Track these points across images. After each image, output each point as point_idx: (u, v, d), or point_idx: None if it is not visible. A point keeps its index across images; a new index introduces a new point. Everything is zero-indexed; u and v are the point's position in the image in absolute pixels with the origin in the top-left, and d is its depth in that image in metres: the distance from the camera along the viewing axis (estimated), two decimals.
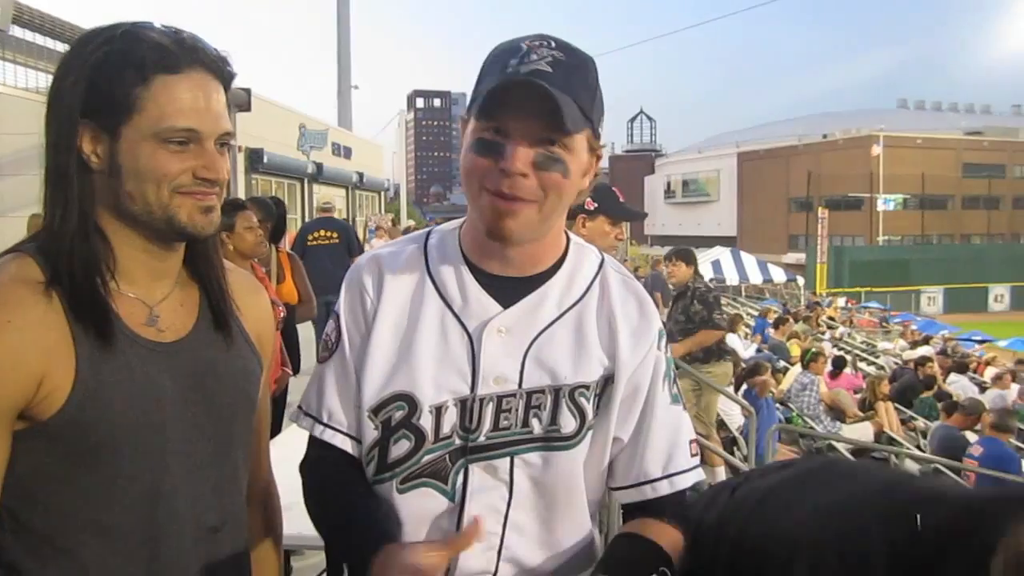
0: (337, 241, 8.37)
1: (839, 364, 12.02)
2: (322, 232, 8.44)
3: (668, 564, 1.26)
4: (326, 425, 1.44)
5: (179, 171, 1.24)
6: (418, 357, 1.38)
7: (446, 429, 1.38)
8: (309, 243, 8.28)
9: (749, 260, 31.53)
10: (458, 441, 1.38)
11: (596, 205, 3.74)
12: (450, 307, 1.41)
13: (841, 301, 31.93)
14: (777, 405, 9.63)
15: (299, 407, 1.50)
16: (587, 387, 1.39)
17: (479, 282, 1.41)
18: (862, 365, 16.87)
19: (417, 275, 1.44)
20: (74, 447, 1.21)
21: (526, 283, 1.41)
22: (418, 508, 1.39)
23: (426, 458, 1.38)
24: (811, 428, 9.73)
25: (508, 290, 1.41)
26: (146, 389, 1.26)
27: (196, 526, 1.31)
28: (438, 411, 1.37)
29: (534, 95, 1.25)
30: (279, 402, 4.51)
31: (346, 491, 1.42)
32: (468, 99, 1.38)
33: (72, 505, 1.23)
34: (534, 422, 1.38)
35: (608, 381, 1.41)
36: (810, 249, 41.16)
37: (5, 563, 1.23)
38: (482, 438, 1.37)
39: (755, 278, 31.34)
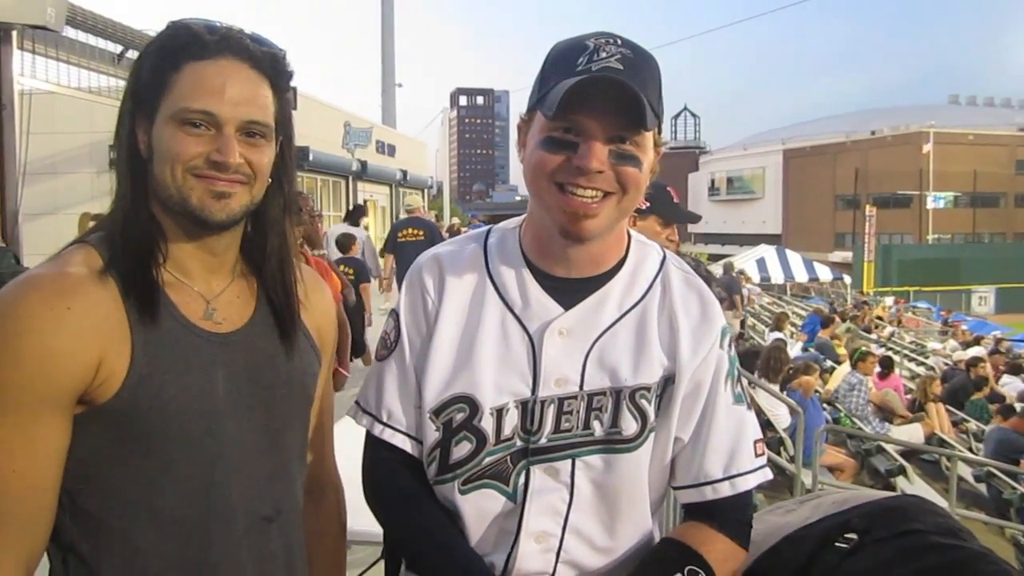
0: (423, 238, 9.47)
1: (887, 364, 11.83)
2: (410, 230, 9.66)
3: (699, 563, 1.26)
4: (386, 424, 1.44)
5: (194, 154, 1.25)
6: (479, 359, 1.38)
7: (507, 431, 1.37)
8: (399, 240, 9.61)
9: (795, 258, 31.19)
10: (519, 443, 1.37)
11: (648, 204, 3.68)
12: (511, 309, 1.40)
13: (889, 300, 31.50)
14: (824, 405, 9.50)
15: (357, 403, 1.50)
16: (648, 389, 1.37)
17: (540, 283, 1.40)
18: (911, 366, 16.59)
19: (477, 276, 1.43)
20: (129, 432, 1.22)
21: (588, 284, 1.39)
22: (479, 509, 1.38)
23: (487, 459, 1.37)
24: (859, 429, 9.58)
25: (569, 291, 1.39)
26: (200, 378, 1.27)
27: (249, 515, 1.32)
28: (499, 413, 1.36)
29: (612, 92, 1.24)
30: None
31: (420, 511, 1.41)
32: (531, 97, 1.36)
33: (126, 489, 1.24)
34: (595, 424, 1.36)
35: (669, 381, 1.39)
36: (857, 247, 40.46)
37: (63, 544, 1.25)
38: (543, 440, 1.36)
39: (801, 276, 31.01)
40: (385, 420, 1.44)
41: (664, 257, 1.47)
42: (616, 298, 1.40)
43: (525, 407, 1.36)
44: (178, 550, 1.26)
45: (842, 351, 13.35)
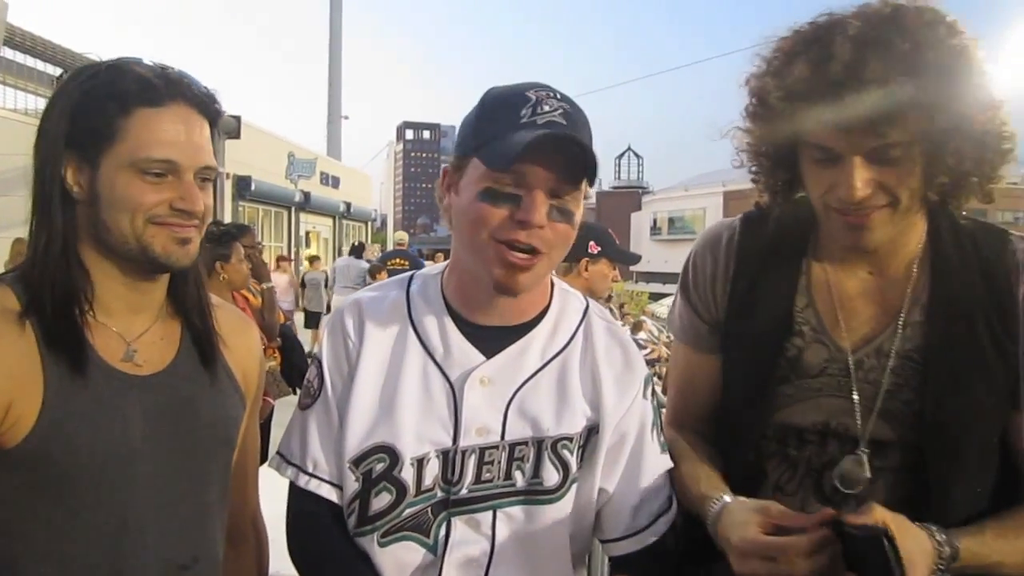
0: (407, 267, 10.55)
1: None
2: (398, 260, 11.13)
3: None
4: (311, 475, 1.41)
5: (155, 202, 1.24)
6: (400, 408, 1.36)
7: (428, 481, 1.35)
8: (388, 267, 10.82)
9: None
10: (440, 493, 1.36)
11: (600, 248, 3.77)
12: (432, 356, 1.39)
13: None
14: None
15: (279, 453, 1.46)
16: (570, 439, 1.37)
17: (462, 331, 1.40)
18: None
19: (399, 323, 1.42)
20: (37, 477, 1.20)
21: (510, 332, 1.40)
22: (399, 561, 1.36)
23: (408, 511, 1.35)
24: None
25: (492, 339, 1.39)
26: (115, 421, 1.24)
27: (164, 563, 1.29)
28: (420, 463, 1.35)
29: (564, 147, 1.24)
30: (263, 431, 4.45)
31: (349, 556, 1.38)
32: (464, 143, 1.34)
33: (35, 535, 1.21)
34: (517, 475, 1.36)
35: (592, 432, 1.39)
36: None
37: None
38: (464, 491, 1.35)
39: None
40: (311, 471, 1.41)
41: (587, 306, 1.49)
42: (539, 347, 1.41)
43: (446, 456, 1.35)
44: None
45: None
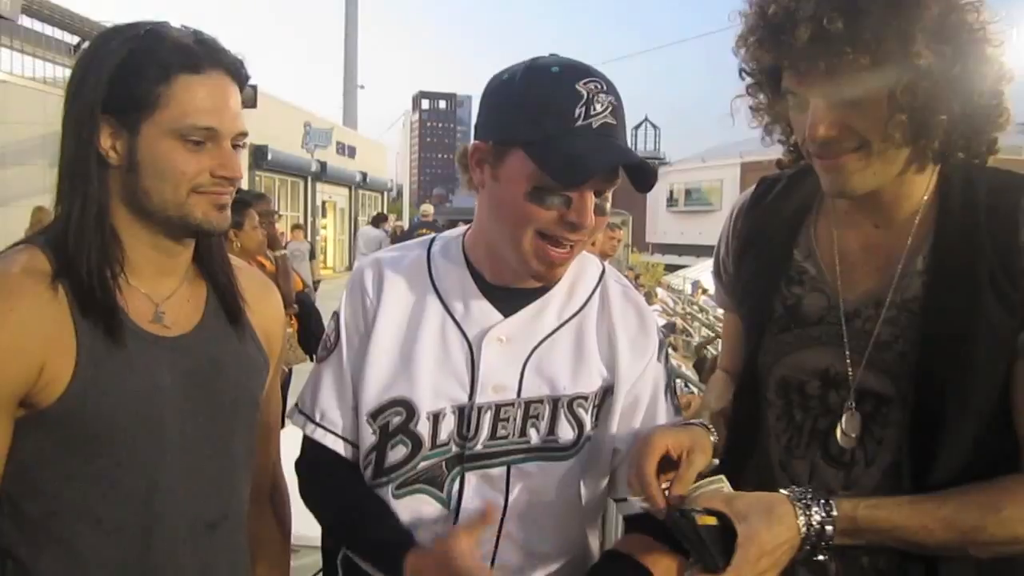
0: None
1: None
2: (423, 230, 11.20)
3: (694, 550, 1.26)
4: (318, 424, 1.46)
5: (197, 171, 1.26)
6: (417, 363, 1.39)
7: (443, 436, 1.38)
8: (416, 237, 11.10)
9: None
10: (455, 448, 1.39)
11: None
12: (451, 314, 1.42)
13: None
14: None
15: (295, 404, 1.51)
16: (585, 398, 1.40)
17: (481, 291, 1.42)
18: None
19: (420, 281, 1.45)
20: (71, 436, 1.23)
21: (528, 293, 1.42)
22: (413, 513, 1.40)
23: (422, 464, 1.39)
24: None
25: (510, 299, 1.42)
26: (145, 382, 1.27)
27: (193, 520, 1.33)
28: (436, 418, 1.38)
29: (618, 159, 1.28)
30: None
31: (353, 492, 1.44)
32: (506, 128, 1.32)
33: (68, 494, 1.24)
34: (532, 432, 1.39)
35: (608, 392, 1.42)
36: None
37: (1, 547, 1.25)
38: (479, 446, 1.38)
39: None
40: (318, 420, 1.46)
41: (603, 270, 1.51)
42: (556, 308, 1.43)
43: (462, 412, 1.38)
44: (119, 556, 1.27)
45: None
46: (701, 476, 1.30)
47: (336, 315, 1.49)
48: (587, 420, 1.40)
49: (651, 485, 1.25)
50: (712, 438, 1.38)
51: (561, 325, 1.43)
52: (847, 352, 1.33)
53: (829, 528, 1.19)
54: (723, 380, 1.59)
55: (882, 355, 1.30)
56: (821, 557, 1.21)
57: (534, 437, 1.39)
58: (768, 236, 1.48)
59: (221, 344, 1.39)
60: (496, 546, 1.40)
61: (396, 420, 1.39)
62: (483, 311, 1.41)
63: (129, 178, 1.27)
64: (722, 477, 1.30)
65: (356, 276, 1.50)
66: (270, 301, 1.56)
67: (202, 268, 1.42)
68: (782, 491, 1.22)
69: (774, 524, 1.17)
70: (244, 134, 1.33)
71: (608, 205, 1.33)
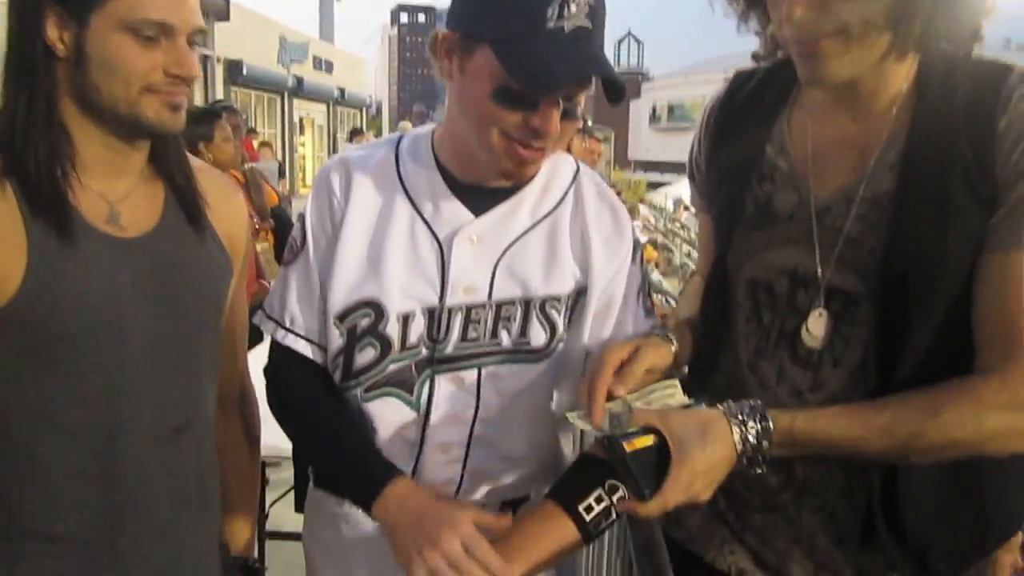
0: None
1: None
2: None
3: (620, 477, 1.24)
4: (288, 330, 1.42)
5: (149, 68, 1.20)
6: (386, 264, 1.36)
7: (413, 338, 1.36)
8: None
9: None
10: (425, 351, 1.36)
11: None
12: (420, 214, 1.37)
13: None
14: None
15: (262, 309, 1.48)
16: (559, 299, 1.37)
17: (451, 190, 1.38)
18: None
19: (387, 180, 1.40)
20: (26, 340, 1.19)
21: (500, 192, 1.38)
22: (383, 416, 1.38)
23: (392, 367, 1.36)
24: None
25: (481, 198, 1.37)
26: (102, 283, 1.23)
27: (157, 425, 1.30)
28: (405, 320, 1.35)
29: (588, 65, 1.22)
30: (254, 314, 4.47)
31: (325, 403, 1.41)
32: (474, 19, 1.25)
33: (27, 400, 1.21)
34: (503, 334, 1.36)
35: (580, 294, 1.39)
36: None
37: None
38: (449, 349, 1.35)
39: None
40: (288, 325, 1.42)
41: (578, 168, 1.46)
42: (529, 207, 1.39)
43: (432, 314, 1.35)
44: (81, 462, 1.25)
45: None
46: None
47: (302, 217, 1.44)
48: (560, 322, 1.38)
49: (595, 402, 1.23)
50: (672, 347, 1.35)
51: (534, 225, 1.39)
52: (817, 250, 1.29)
53: (765, 443, 1.17)
54: (696, 286, 1.57)
55: (852, 252, 1.26)
56: (758, 471, 1.19)
57: (505, 339, 1.37)
58: (740, 132, 1.43)
59: (181, 246, 1.35)
60: (467, 450, 1.39)
61: (364, 322, 1.36)
62: (453, 210, 1.37)
63: (78, 73, 1.20)
64: (675, 382, 1.29)
65: (322, 177, 1.44)
66: (232, 202, 1.51)
67: (159, 168, 1.36)
68: (718, 406, 1.20)
69: (708, 444, 1.15)
70: (202, 31, 1.27)
71: (580, 110, 1.28)
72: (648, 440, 1.16)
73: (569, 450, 1.53)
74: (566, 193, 1.42)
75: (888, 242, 1.22)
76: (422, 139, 1.43)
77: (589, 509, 1.24)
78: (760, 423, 1.18)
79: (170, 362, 1.32)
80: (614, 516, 1.26)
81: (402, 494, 1.27)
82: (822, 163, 1.32)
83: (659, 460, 1.15)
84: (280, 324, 1.43)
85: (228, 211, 1.47)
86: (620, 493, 1.24)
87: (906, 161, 1.23)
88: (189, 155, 1.43)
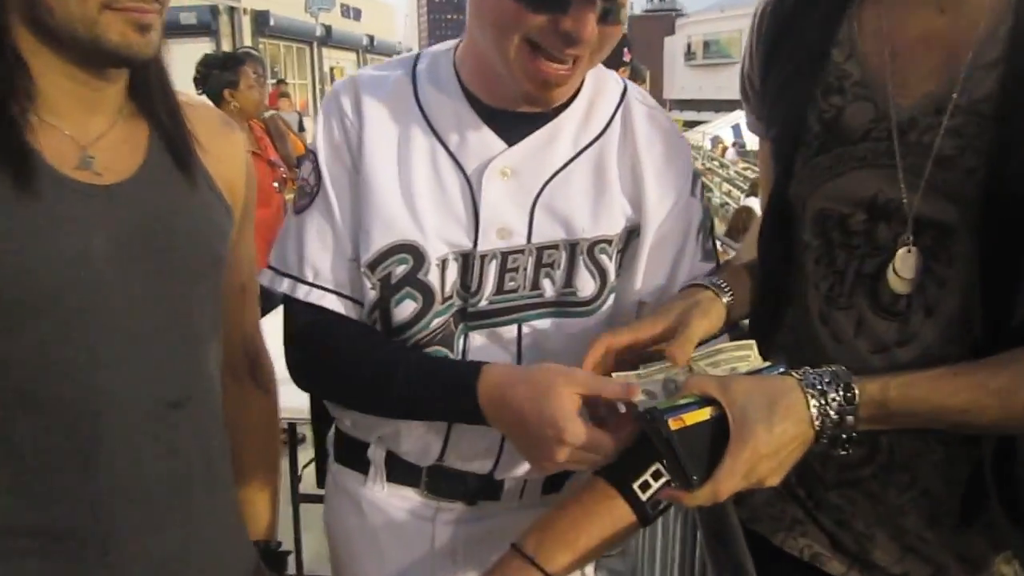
0: None
1: None
2: None
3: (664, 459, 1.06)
4: (312, 285, 1.22)
5: None
6: (419, 200, 1.16)
7: (448, 288, 1.17)
8: None
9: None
10: (458, 302, 1.18)
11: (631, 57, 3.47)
12: (444, 145, 1.18)
13: None
14: None
15: (270, 267, 1.28)
16: (608, 242, 1.18)
17: (479, 115, 1.18)
18: None
19: (404, 105, 1.20)
20: None
21: (536, 117, 1.18)
22: None
23: (435, 321, 1.17)
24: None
25: (514, 125, 1.17)
26: (74, 238, 1.05)
27: (148, 400, 1.13)
28: (443, 265, 1.16)
29: None
30: None
31: (381, 346, 1.20)
32: None
33: None
34: (546, 283, 1.18)
35: (632, 234, 1.20)
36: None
37: None
38: (484, 302, 1.17)
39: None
40: (311, 280, 1.22)
41: (625, 88, 1.25)
42: (570, 134, 1.19)
43: (466, 261, 1.16)
44: (60, 442, 1.08)
45: None
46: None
47: (311, 152, 1.24)
48: (610, 268, 1.19)
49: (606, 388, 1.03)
50: (724, 299, 1.15)
51: (577, 154, 1.19)
52: (900, 173, 1.07)
53: (850, 418, 0.97)
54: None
55: (944, 175, 1.04)
56: (841, 452, 1.00)
57: (548, 290, 1.18)
58: (799, 36, 1.20)
59: (168, 192, 1.16)
60: None
61: (400, 269, 1.16)
62: (482, 140, 1.17)
63: None
64: (751, 344, 1.08)
65: (330, 101, 1.24)
66: (229, 140, 1.32)
67: (140, 104, 1.17)
68: (793, 374, 1.00)
69: (777, 419, 0.95)
70: None
71: (625, 12, 1.06)
72: (703, 414, 0.96)
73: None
74: (613, 116, 1.21)
75: (991, 160, 1.01)
76: (442, 57, 1.23)
77: (645, 487, 1.07)
78: (843, 393, 0.98)
79: (161, 327, 1.14)
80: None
81: (491, 393, 1.07)
82: (903, 67, 1.10)
83: (715, 438, 0.95)
84: (300, 279, 1.23)
85: (225, 152, 1.28)
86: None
87: (1011, 58, 1.01)
88: (180, 91, 1.24)
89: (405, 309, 1.16)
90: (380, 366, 1.16)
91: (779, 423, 0.94)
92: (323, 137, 1.22)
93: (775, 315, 1.22)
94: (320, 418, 1.58)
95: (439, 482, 1.28)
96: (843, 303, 1.15)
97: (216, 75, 4.20)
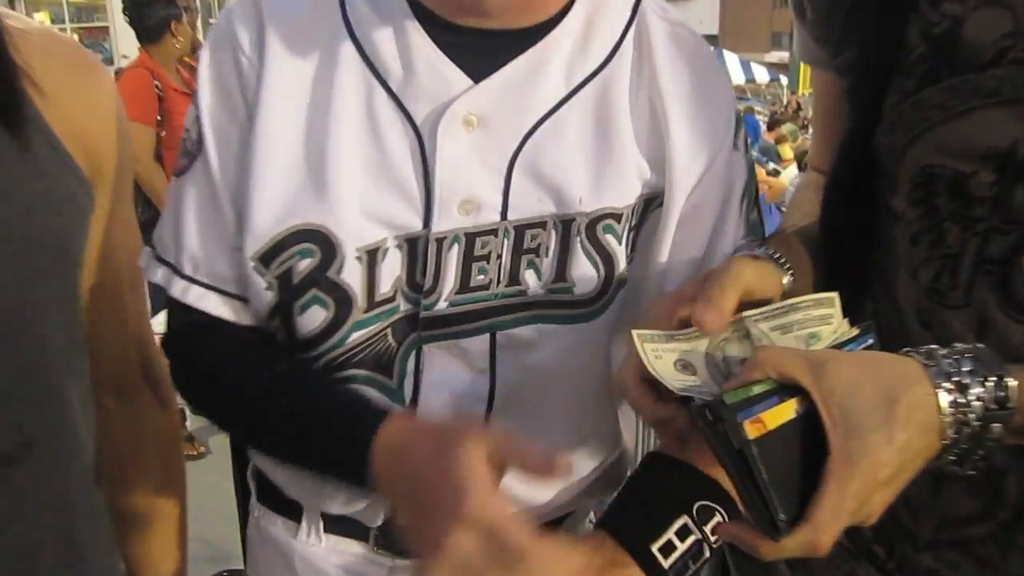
0: None
1: None
2: None
3: (714, 496, 0.79)
4: (191, 280, 0.90)
5: None
6: (334, 167, 0.83)
7: (385, 287, 0.84)
8: None
9: (731, 60, 30.50)
10: (405, 306, 0.85)
11: None
12: (383, 81, 0.83)
13: None
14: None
15: (150, 247, 0.95)
16: (617, 216, 0.85)
17: (434, 38, 0.83)
18: None
19: (327, 28, 0.85)
20: None
21: (513, 39, 0.84)
22: None
23: (355, 335, 0.85)
24: None
25: (483, 51, 0.83)
26: None
27: None
28: (372, 257, 0.83)
29: None
30: None
31: (266, 370, 0.89)
32: None
33: None
34: (529, 276, 0.85)
35: (651, 204, 0.87)
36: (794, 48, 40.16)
37: None
38: (443, 303, 0.84)
39: (737, 78, 30.46)
40: (189, 272, 0.90)
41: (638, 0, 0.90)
42: (561, 64, 0.85)
43: (413, 248, 0.84)
44: None
45: (787, 153, 13.08)
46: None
47: (195, 95, 0.89)
48: (619, 253, 0.86)
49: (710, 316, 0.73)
50: (784, 279, 0.83)
51: (572, 93, 0.85)
52: None
53: (997, 427, 0.65)
54: (816, 185, 1.03)
55: None
56: (971, 472, 0.68)
57: (533, 285, 0.86)
58: None
59: None
60: None
61: (304, 264, 0.83)
62: (438, 72, 0.83)
63: None
64: (833, 296, 0.76)
65: (221, 29, 0.89)
66: (89, 84, 0.95)
67: None
68: (914, 355, 0.67)
69: (899, 428, 0.62)
70: None
71: None
72: (787, 411, 0.63)
73: (633, 445, 1.03)
74: (622, 38, 0.87)
75: None
76: None
77: (668, 550, 0.78)
78: (992, 389, 0.65)
79: None
80: (707, 555, 0.80)
81: (389, 450, 0.76)
82: None
83: (803, 446, 0.63)
84: (177, 270, 0.91)
85: (80, 100, 0.92)
86: (719, 518, 0.79)
87: None
88: (10, 13, 0.88)
89: (312, 318, 0.85)
90: (261, 397, 0.86)
91: (901, 431, 0.62)
92: (210, 78, 0.88)
93: (848, 310, 0.90)
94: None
95: (390, 537, 0.97)
96: (956, 299, 0.83)
97: (160, 5, 3.74)
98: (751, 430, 0.61)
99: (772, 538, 0.62)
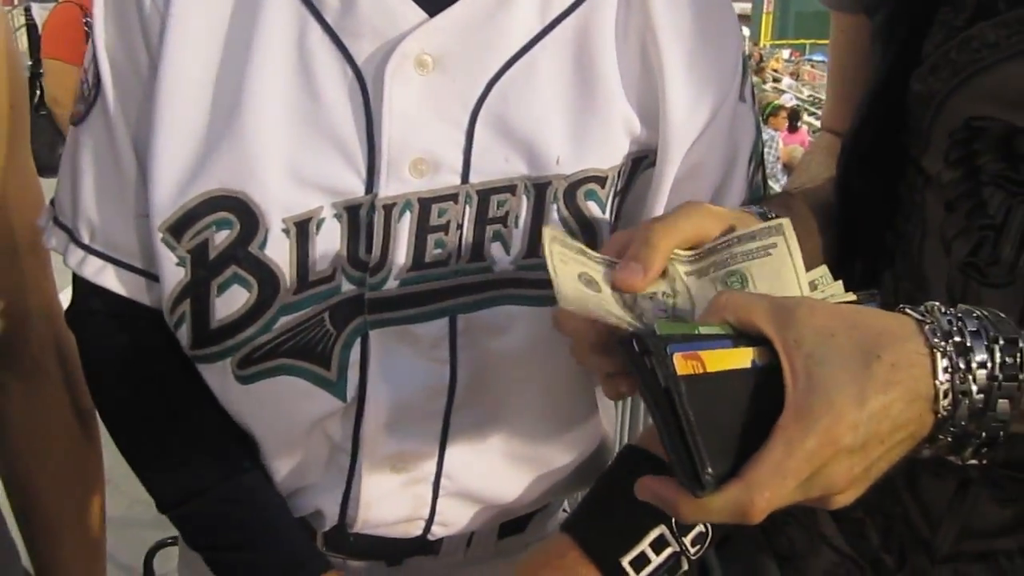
0: None
1: (795, 118, 11.63)
2: None
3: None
4: (87, 249, 0.77)
5: None
6: (256, 120, 0.69)
7: (323, 264, 0.72)
8: None
9: None
10: (347, 287, 0.72)
11: None
12: (317, 14, 0.69)
13: (785, 53, 31.50)
14: None
15: (50, 203, 0.83)
16: (600, 179, 0.73)
17: None
18: (810, 120, 16.80)
19: None
20: None
21: None
22: (279, 414, 0.77)
23: (283, 320, 0.73)
24: (772, 190, 9.54)
25: None
26: None
27: None
28: (303, 229, 0.71)
29: None
30: None
31: (181, 406, 0.81)
32: None
33: None
34: (495, 249, 0.73)
35: (642, 164, 0.75)
36: None
37: None
38: (392, 282, 0.72)
39: None
40: (86, 241, 0.77)
41: None
42: None
43: (355, 217, 0.71)
44: None
45: None
46: None
47: (91, 37, 0.75)
48: (603, 221, 0.74)
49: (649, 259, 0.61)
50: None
51: (547, 29, 0.71)
52: None
53: (1004, 403, 0.52)
54: (829, 148, 0.90)
55: None
56: (969, 460, 0.55)
57: (500, 260, 0.73)
58: None
59: None
60: (441, 457, 0.79)
61: (222, 236, 0.71)
62: (383, 3, 0.69)
63: None
64: (781, 224, 0.63)
65: None
66: None
67: None
68: (908, 310, 0.55)
69: (875, 388, 0.50)
70: None
71: None
72: (738, 357, 0.53)
73: (614, 437, 0.93)
74: None
75: None
76: None
77: (641, 564, 0.72)
78: (1000, 355, 0.52)
79: None
80: (685, 568, 0.74)
81: None
82: None
83: (758, 403, 0.52)
84: (74, 237, 0.78)
85: None
86: (700, 528, 0.73)
87: None
88: None
89: (232, 300, 0.73)
90: (181, 442, 0.79)
91: (877, 393, 0.50)
92: (108, 14, 0.74)
93: (862, 288, 0.78)
94: None
95: (342, 541, 0.87)
96: (997, 276, 0.71)
97: None
98: (682, 365, 0.50)
99: (694, 494, 0.50)
